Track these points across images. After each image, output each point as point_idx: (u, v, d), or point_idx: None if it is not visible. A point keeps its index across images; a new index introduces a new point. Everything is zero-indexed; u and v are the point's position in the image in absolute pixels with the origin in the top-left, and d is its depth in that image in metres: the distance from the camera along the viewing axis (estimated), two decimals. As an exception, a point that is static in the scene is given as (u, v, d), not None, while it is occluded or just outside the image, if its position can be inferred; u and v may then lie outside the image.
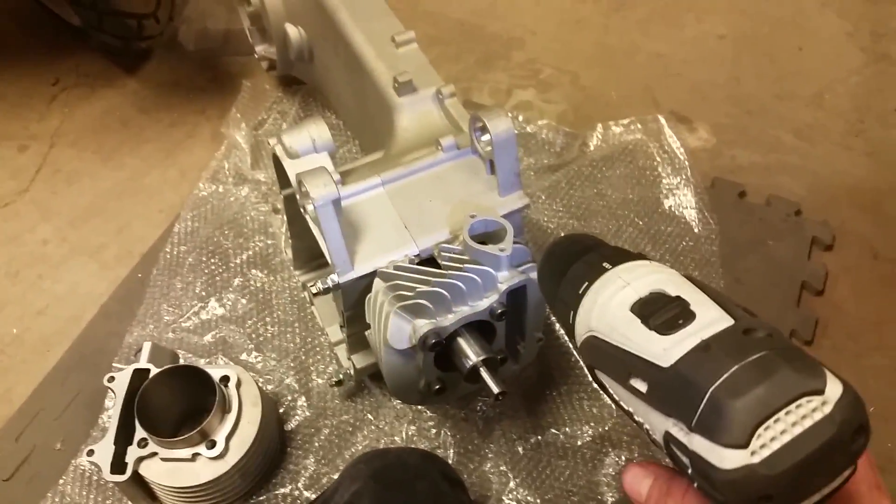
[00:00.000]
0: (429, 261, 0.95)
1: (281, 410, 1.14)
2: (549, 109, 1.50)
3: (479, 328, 0.91)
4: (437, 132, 1.06)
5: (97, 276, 1.32)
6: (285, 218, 1.16)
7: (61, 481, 1.08)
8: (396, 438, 1.09)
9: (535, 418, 1.10)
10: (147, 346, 1.09)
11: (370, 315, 0.94)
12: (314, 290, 0.93)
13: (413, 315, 0.88)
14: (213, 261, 1.30)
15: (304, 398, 1.14)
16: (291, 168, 0.97)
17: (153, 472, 0.99)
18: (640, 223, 1.31)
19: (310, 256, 1.23)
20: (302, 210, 0.93)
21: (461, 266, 0.90)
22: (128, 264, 1.33)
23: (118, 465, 0.99)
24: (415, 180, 1.00)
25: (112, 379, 1.05)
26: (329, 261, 0.92)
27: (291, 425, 1.12)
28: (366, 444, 1.09)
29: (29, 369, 1.22)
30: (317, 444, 1.10)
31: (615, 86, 1.57)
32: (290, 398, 1.15)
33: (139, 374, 1.05)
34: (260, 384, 1.15)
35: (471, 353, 0.89)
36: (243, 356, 1.19)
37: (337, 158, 0.99)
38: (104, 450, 0.99)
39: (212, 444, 0.99)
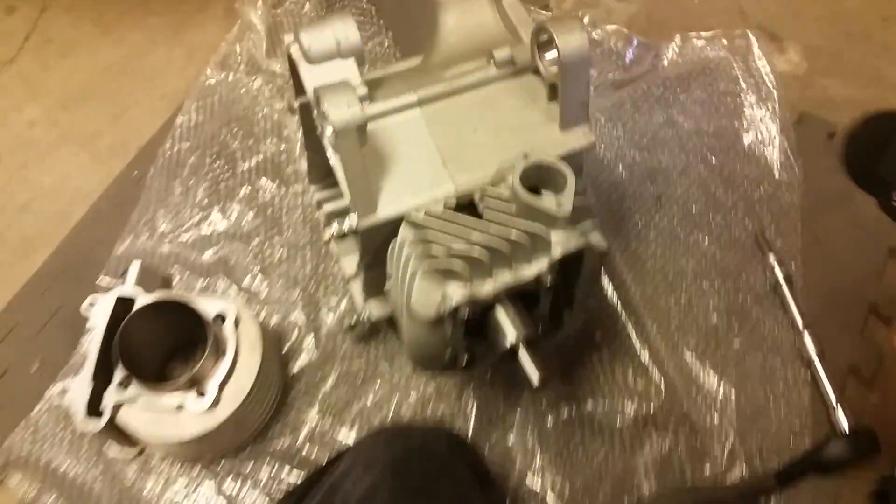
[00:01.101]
0: (467, 206, 0.78)
1: (285, 349, 1.00)
2: (619, 9, 1.27)
3: (520, 295, 0.75)
4: (490, 40, 0.86)
5: (88, 170, 1.17)
6: (300, 124, 0.98)
7: (35, 411, 0.97)
8: (413, 395, 0.96)
9: (571, 387, 0.96)
10: (135, 267, 0.95)
11: (392, 267, 0.78)
12: (327, 236, 0.77)
13: (444, 278, 0.72)
14: (217, 163, 1.13)
15: (311, 336, 1.01)
16: (309, 75, 0.79)
17: (133, 421, 0.87)
18: (713, 160, 1.11)
19: (328, 171, 1.05)
20: (318, 129, 0.76)
21: (507, 220, 0.73)
22: (123, 158, 1.17)
23: (93, 409, 0.86)
24: (458, 102, 0.82)
25: (92, 305, 0.91)
26: (346, 198, 0.75)
27: (295, 368, 0.99)
28: (377, 398, 0.96)
29: (7, 274, 1.09)
30: (322, 393, 0.97)
31: (698, -13, 1.33)
32: (295, 335, 1.01)
33: (123, 302, 0.91)
34: (262, 317, 1.01)
35: (510, 328, 0.74)
36: (246, 280, 1.05)
37: (365, 54, 0.80)
38: (79, 389, 0.87)
39: (201, 394, 0.86)
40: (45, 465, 0.94)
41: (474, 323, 0.74)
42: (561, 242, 0.73)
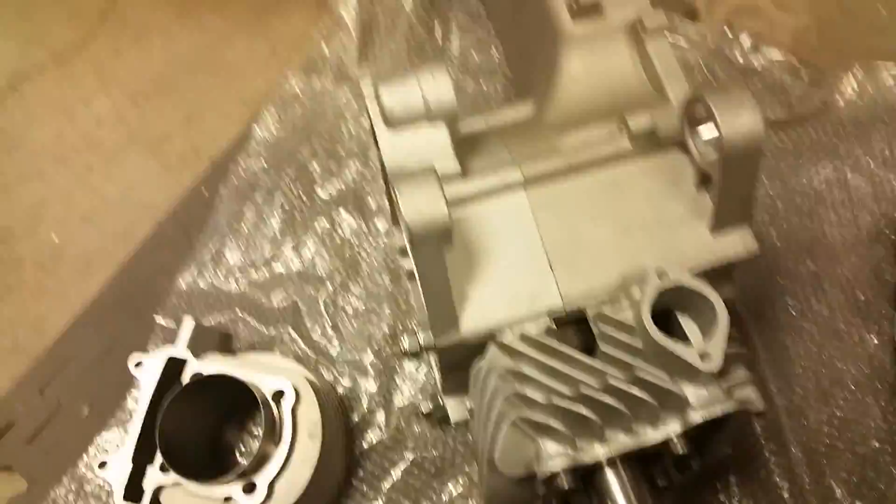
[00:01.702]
0: (577, 321, 0.61)
1: (354, 421, 0.87)
2: (784, 21, 1.03)
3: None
4: (625, 95, 0.67)
5: (155, 180, 1.06)
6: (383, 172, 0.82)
7: (82, 462, 0.89)
8: (494, 502, 0.81)
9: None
10: (188, 327, 0.83)
11: (475, 392, 0.63)
12: (398, 350, 0.62)
13: (540, 433, 0.56)
14: (293, 188, 0.99)
15: (382, 412, 0.87)
16: (387, 141, 0.63)
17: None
18: (893, 237, 0.88)
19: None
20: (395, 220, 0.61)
21: (629, 360, 0.56)
22: (193, 168, 1.05)
23: (134, 490, 0.76)
24: (576, 184, 0.64)
25: (139, 365, 0.80)
26: (421, 314, 0.60)
27: (364, 445, 0.86)
28: (452, 497, 0.82)
29: (66, 294, 1.00)
30: (389, 485, 0.84)
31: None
32: (365, 407, 0.88)
33: (174, 363, 0.80)
34: (330, 378, 0.89)
35: (623, 501, 0.57)
36: (316, 334, 0.92)
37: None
38: (118, 465, 0.77)
39: (251, 488, 0.75)
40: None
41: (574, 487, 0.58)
42: (702, 404, 0.55)
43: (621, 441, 0.56)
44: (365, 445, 0.86)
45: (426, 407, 0.80)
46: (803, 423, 0.81)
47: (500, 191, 0.63)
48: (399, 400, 0.87)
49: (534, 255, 0.62)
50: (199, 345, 0.82)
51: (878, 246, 0.88)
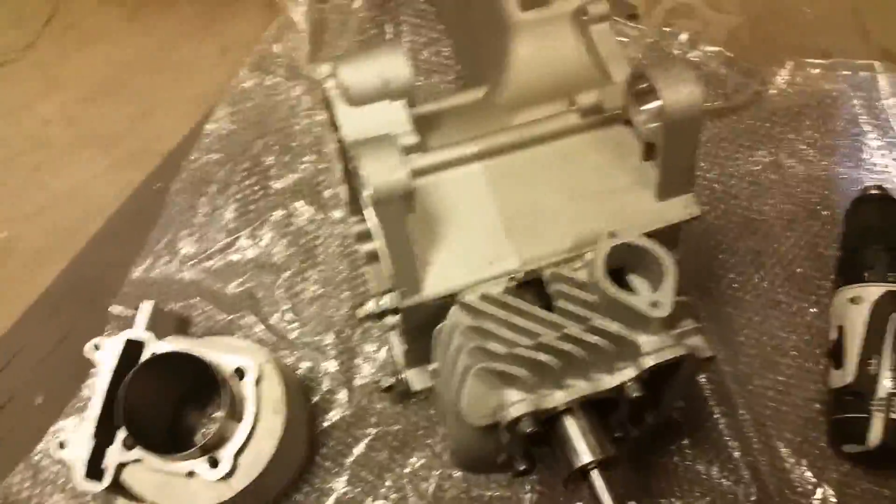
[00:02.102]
0: (533, 284, 0.64)
1: (315, 399, 0.88)
2: (718, 21, 1.09)
3: (595, 401, 0.61)
4: (573, 77, 0.71)
5: (106, 178, 1.05)
6: (338, 153, 0.84)
7: (36, 451, 0.87)
8: (456, 474, 0.83)
9: (644, 478, 0.82)
10: (146, 308, 0.83)
11: (438, 352, 0.65)
12: (362, 314, 0.64)
13: (503, 382, 0.59)
14: (249, 181, 1.00)
15: (345, 391, 0.88)
16: (347, 118, 0.65)
17: (139, 482, 0.76)
18: (826, 213, 0.94)
19: (370, 200, 0.91)
20: (357, 188, 0.63)
21: (584, 314, 0.59)
22: (144, 166, 1.05)
23: (95, 469, 0.76)
24: (529, 156, 0.67)
25: (97, 347, 0.80)
26: (386, 272, 0.62)
27: (325, 423, 0.87)
28: (417, 469, 0.84)
29: (17, 287, 0.99)
30: (354, 458, 0.85)
31: (811, -3, 1.13)
32: (326, 387, 0.89)
33: (133, 345, 0.80)
34: (290, 362, 0.89)
35: (582, 446, 0.60)
36: (274, 318, 0.93)
37: (417, 89, 0.65)
38: (78, 447, 0.77)
39: (214, 462, 0.75)
40: (46, 513, 0.84)
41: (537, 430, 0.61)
42: (653, 350, 0.58)
43: (579, 387, 0.59)
44: (327, 423, 0.87)
45: (387, 381, 0.82)
46: (749, 389, 0.85)
47: (457, 163, 0.66)
48: (360, 379, 0.89)
49: (491, 222, 0.64)
50: (157, 328, 0.82)
51: (813, 223, 0.94)
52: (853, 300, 0.82)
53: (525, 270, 0.63)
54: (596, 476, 0.60)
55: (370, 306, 0.63)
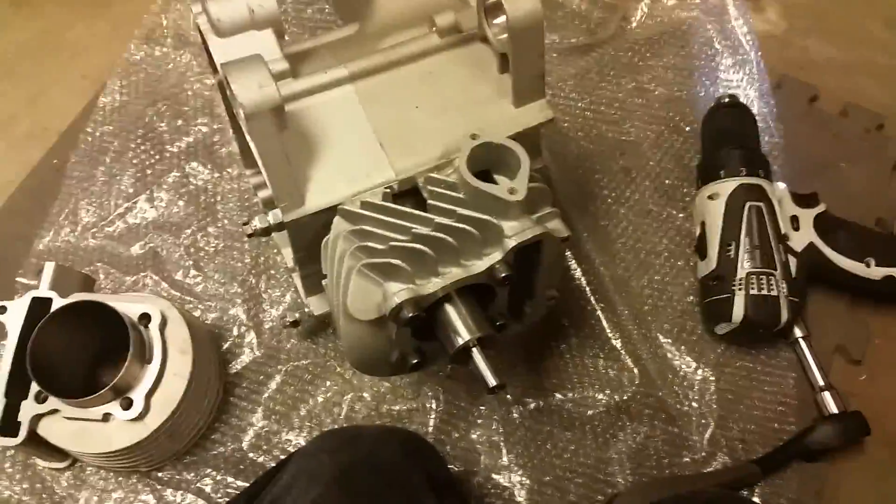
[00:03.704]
0: (411, 193, 0.69)
1: (225, 346, 0.92)
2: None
3: (473, 289, 0.67)
4: (432, 3, 0.76)
5: (4, 159, 1.06)
6: (224, 103, 0.87)
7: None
8: (365, 395, 0.88)
9: (537, 377, 0.88)
10: (49, 268, 0.85)
11: (327, 264, 0.70)
12: (248, 231, 0.68)
13: (384, 276, 0.64)
14: (143, 147, 1.03)
15: (253, 334, 0.92)
16: (219, 50, 0.69)
17: (56, 433, 0.79)
18: (688, 129, 1.03)
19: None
20: (235, 113, 0.67)
21: (454, 209, 0.65)
22: (42, 145, 1.06)
23: (10, 425, 0.78)
24: (396, 76, 0.72)
25: (3, 310, 0.82)
26: (270, 189, 0.66)
27: (237, 367, 0.91)
28: (328, 398, 0.88)
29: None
30: (267, 394, 0.89)
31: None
32: (236, 332, 0.92)
33: (39, 304, 0.82)
34: (198, 314, 0.93)
35: (461, 327, 0.66)
36: (178, 275, 0.96)
37: (286, 23, 0.70)
38: (-9, 404, 0.78)
39: (128, 404, 0.78)
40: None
41: (422, 322, 0.66)
42: (515, 233, 0.64)
43: (454, 273, 0.64)
44: (239, 366, 0.90)
45: (291, 316, 0.86)
46: (628, 289, 0.93)
47: (328, 86, 0.70)
48: (268, 322, 0.93)
49: (365, 139, 0.70)
50: (62, 286, 0.84)
51: (677, 137, 1.02)
52: (711, 196, 0.91)
53: (400, 179, 0.68)
54: (476, 353, 0.65)
55: (256, 222, 0.67)
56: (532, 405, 0.87)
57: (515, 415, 0.86)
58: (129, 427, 0.78)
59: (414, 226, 0.64)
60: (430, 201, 0.66)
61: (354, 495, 0.63)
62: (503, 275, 0.65)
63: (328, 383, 0.89)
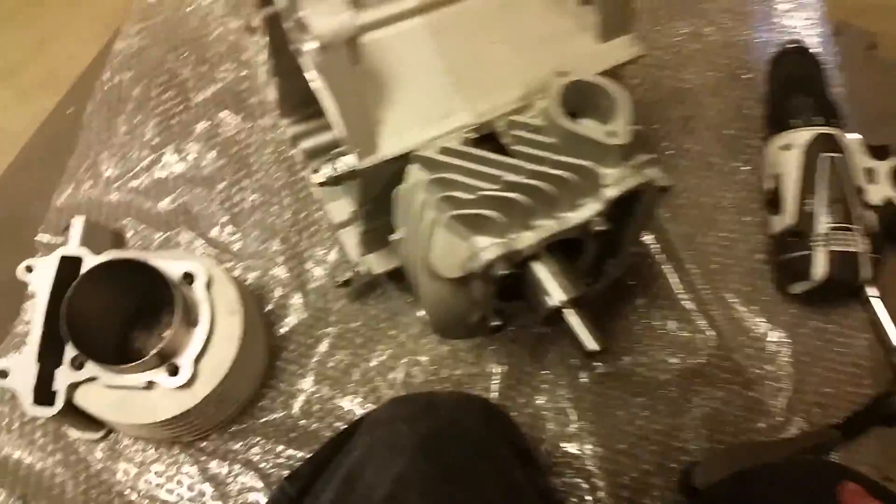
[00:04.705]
0: (485, 139, 0.63)
1: (268, 308, 0.86)
2: None
3: (560, 245, 0.62)
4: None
5: (12, 109, 0.99)
6: (268, 43, 0.80)
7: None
8: (422, 359, 0.83)
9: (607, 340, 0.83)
10: (78, 223, 0.78)
11: (401, 218, 0.64)
12: (318, 180, 0.62)
13: (472, 229, 0.58)
14: (167, 95, 0.96)
15: (299, 294, 0.86)
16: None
17: (94, 402, 0.73)
18: (747, 76, 0.97)
19: (302, 100, 0.88)
20: (293, 51, 0.60)
21: (545, 155, 0.59)
22: (53, 93, 0.99)
23: (44, 393, 0.71)
24: (469, 8, 0.66)
25: (30, 269, 0.75)
26: (339, 133, 0.60)
27: (283, 329, 0.85)
28: (382, 362, 0.83)
29: (-74, 234, 0.91)
30: (316, 359, 0.83)
31: None
32: (279, 293, 0.86)
33: (69, 263, 0.75)
34: (237, 274, 0.86)
35: (554, 288, 0.60)
36: (213, 232, 0.89)
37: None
38: (23, 370, 0.72)
39: (174, 370, 0.72)
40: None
41: (506, 281, 0.61)
42: (616, 181, 0.59)
43: (547, 226, 0.59)
44: (285, 329, 0.85)
45: (344, 275, 0.80)
46: (694, 246, 0.88)
47: (396, 18, 0.64)
48: (313, 282, 0.87)
49: (439, 78, 0.63)
50: (93, 243, 0.78)
51: (735, 86, 0.97)
52: (784, 147, 0.85)
53: (480, 123, 0.62)
54: (571, 315, 0.60)
55: (327, 170, 0.61)
56: (600, 369, 0.82)
57: (584, 380, 0.82)
58: (175, 395, 0.72)
59: (503, 173, 0.59)
60: (514, 147, 0.60)
61: (444, 467, 0.58)
62: (600, 228, 0.59)
63: (381, 347, 0.84)
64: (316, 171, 0.62)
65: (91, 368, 0.71)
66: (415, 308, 0.85)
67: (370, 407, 0.81)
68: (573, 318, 0.60)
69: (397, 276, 0.79)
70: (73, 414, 0.73)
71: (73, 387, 0.72)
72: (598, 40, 0.66)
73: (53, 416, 0.71)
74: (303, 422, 0.81)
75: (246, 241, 0.88)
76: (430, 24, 0.64)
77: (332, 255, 0.88)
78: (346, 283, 0.81)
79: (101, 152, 0.92)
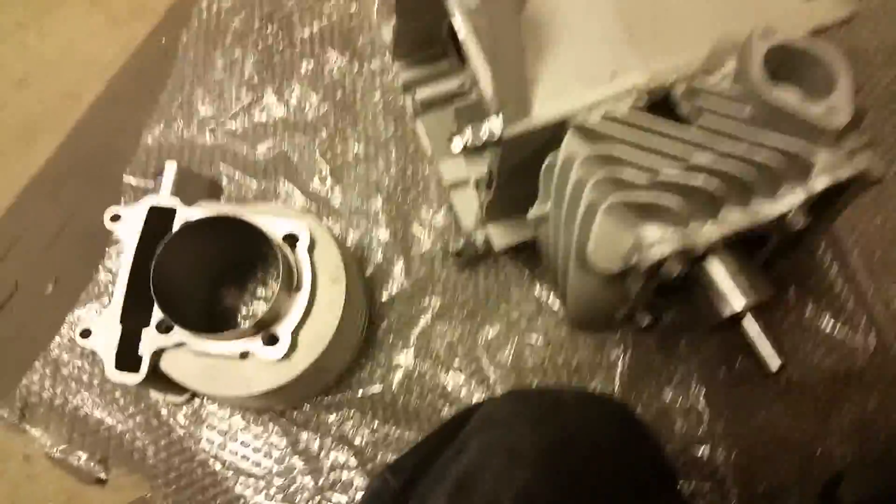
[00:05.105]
0: (657, 106, 0.53)
1: (369, 271, 0.78)
2: None
3: (741, 239, 0.52)
4: None
5: (102, 35, 0.91)
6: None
7: (54, 343, 0.77)
8: (538, 337, 0.75)
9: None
10: (171, 169, 0.71)
11: (551, 191, 0.54)
12: (457, 147, 0.52)
13: (642, 217, 0.48)
14: (269, 29, 0.87)
15: (401, 261, 0.78)
16: None
17: (182, 370, 0.66)
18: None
19: (418, 41, 0.78)
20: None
21: (740, 133, 0.48)
22: (147, 19, 0.91)
23: (128, 357, 0.65)
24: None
25: (117, 218, 0.68)
26: (485, 90, 0.50)
27: (383, 297, 0.78)
28: (490, 339, 0.75)
29: (9, 166, 0.86)
30: (418, 331, 0.76)
31: None
32: (381, 256, 0.79)
33: (159, 214, 0.68)
34: (337, 233, 0.79)
35: (733, 289, 0.50)
36: (314, 184, 0.81)
37: None
38: (106, 333, 0.66)
39: (271, 340, 0.65)
40: (73, 411, 0.75)
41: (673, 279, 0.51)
42: (826, 168, 0.48)
43: (735, 219, 0.49)
44: (385, 297, 0.77)
45: (456, 245, 0.72)
46: (860, 230, 0.77)
47: (563, -46, 0.54)
48: (418, 247, 0.78)
49: (610, 25, 0.53)
50: (185, 193, 0.71)
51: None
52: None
53: (654, 85, 0.52)
54: (750, 322, 0.50)
55: (468, 135, 0.51)
56: (738, 365, 0.72)
57: (720, 376, 0.72)
58: (271, 367, 0.65)
59: (684, 153, 0.48)
60: (700, 121, 0.50)
61: (573, 484, 0.50)
62: (799, 223, 0.49)
63: (490, 323, 0.76)
64: (454, 133, 0.52)
65: (179, 333, 0.65)
66: (532, 283, 0.76)
67: (474, 387, 0.74)
68: (753, 328, 0.50)
69: (518, 249, 0.70)
70: (158, 380, 0.67)
71: (158, 353, 0.66)
72: (802, -7, 0.54)
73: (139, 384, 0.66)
74: (403, 398, 0.74)
75: (347, 196, 0.80)
76: (601, -39, 0.53)
77: (440, 218, 0.79)
78: (459, 253, 0.73)
79: (196, 89, 0.85)
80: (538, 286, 0.76)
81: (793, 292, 0.74)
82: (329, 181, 0.81)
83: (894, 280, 0.75)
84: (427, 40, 0.76)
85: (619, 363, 0.73)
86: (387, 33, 0.78)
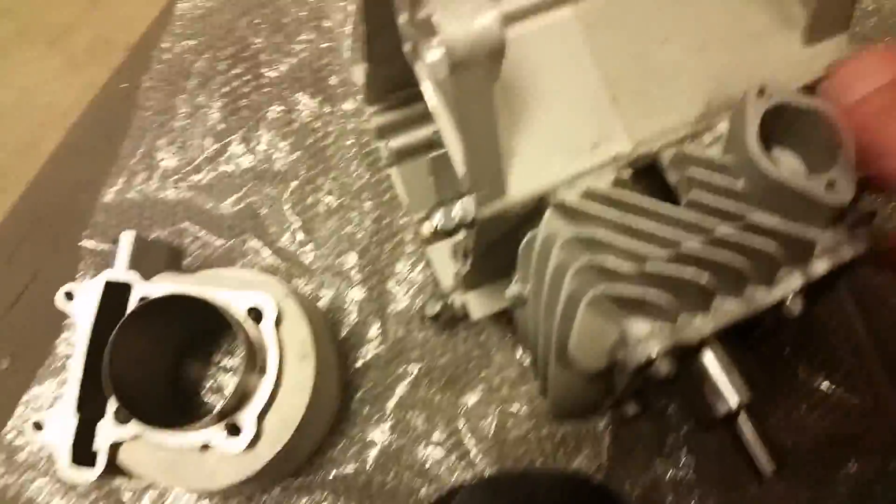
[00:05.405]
0: (645, 173, 0.47)
1: (342, 336, 0.73)
2: None
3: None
4: None
5: (59, 80, 0.86)
6: (359, 20, 0.64)
7: (9, 427, 0.72)
8: (521, 406, 0.69)
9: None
10: (126, 241, 0.66)
11: (530, 271, 0.49)
12: (427, 232, 0.47)
13: (628, 310, 0.43)
14: (236, 70, 0.82)
15: (377, 322, 0.73)
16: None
17: (141, 463, 0.61)
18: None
19: (391, 85, 0.73)
20: (407, 47, 0.45)
21: (735, 209, 0.43)
22: (106, 62, 0.86)
23: (83, 453, 0.60)
24: (633, -2, 0.49)
25: (70, 296, 0.63)
26: (457, 170, 0.45)
27: (357, 364, 0.72)
28: (471, 409, 0.70)
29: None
30: (394, 401, 0.71)
31: None
32: (355, 317, 0.73)
33: (114, 289, 0.63)
34: (308, 291, 0.74)
35: (726, 386, 0.45)
36: (284, 239, 0.76)
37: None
38: (60, 423, 0.61)
39: (235, 430, 0.60)
40: (28, 502, 0.70)
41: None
42: (827, 248, 0.43)
43: (727, 309, 0.44)
44: (360, 363, 0.72)
45: (433, 307, 0.67)
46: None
47: (539, 8, 0.48)
48: (394, 305, 0.73)
49: (590, 88, 0.48)
50: (143, 264, 0.65)
51: None
52: None
53: (638, 154, 0.46)
54: (744, 421, 0.45)
55: (438, 219, 0.46)
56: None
57: (712, 445, 0.67)
58: (236, 460, 0.60)
59: (673, 235, 0.43)
60: (689, 195, 0.45)
61: None
62: (797, 311, 0.44)
63: (471, 390, 0.71)
64: (424, 218, 0.47)
65: (137, 425, 0.59)
66: (514, 346, 0.71)
67: (454, 462, 0.69)
68: (747, 428, 0.45)
69: (499, 315, 0.65)
70: (117, 473, 0.62)
71: (116, 446, 0.60)
72: (802, 41, 0.49)
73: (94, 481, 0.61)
74: (377, 478, 0.69)
75: (319, 252, 0.75)
76: (582, 17, 0.48)
77: (418, 274, 0.74)
78: (436, 317, 0.67)
79: (158, 138, 0.80)
80: (520, 350, 0.70)
81: (788, 349, 0.69)
82: (300, 236, 0.76)
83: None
84: (401, 84, 0.71)
85: (607, 435, 0.68)
86: (358, 76, 0.72)
